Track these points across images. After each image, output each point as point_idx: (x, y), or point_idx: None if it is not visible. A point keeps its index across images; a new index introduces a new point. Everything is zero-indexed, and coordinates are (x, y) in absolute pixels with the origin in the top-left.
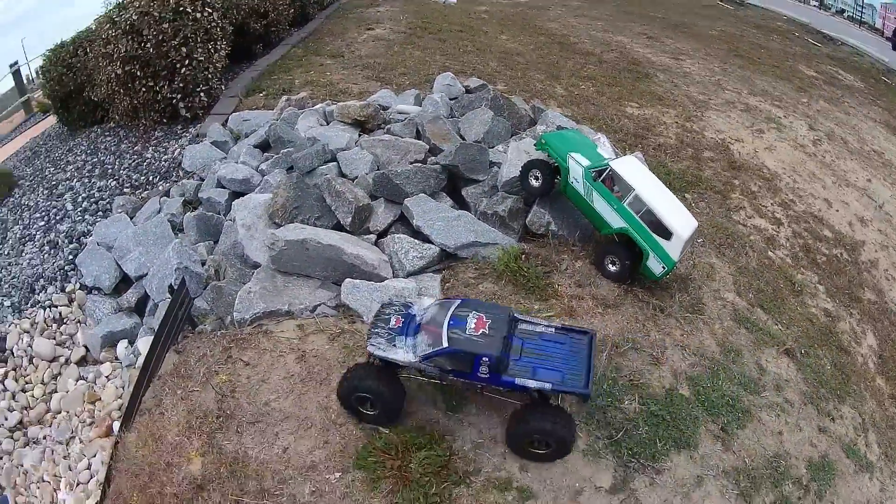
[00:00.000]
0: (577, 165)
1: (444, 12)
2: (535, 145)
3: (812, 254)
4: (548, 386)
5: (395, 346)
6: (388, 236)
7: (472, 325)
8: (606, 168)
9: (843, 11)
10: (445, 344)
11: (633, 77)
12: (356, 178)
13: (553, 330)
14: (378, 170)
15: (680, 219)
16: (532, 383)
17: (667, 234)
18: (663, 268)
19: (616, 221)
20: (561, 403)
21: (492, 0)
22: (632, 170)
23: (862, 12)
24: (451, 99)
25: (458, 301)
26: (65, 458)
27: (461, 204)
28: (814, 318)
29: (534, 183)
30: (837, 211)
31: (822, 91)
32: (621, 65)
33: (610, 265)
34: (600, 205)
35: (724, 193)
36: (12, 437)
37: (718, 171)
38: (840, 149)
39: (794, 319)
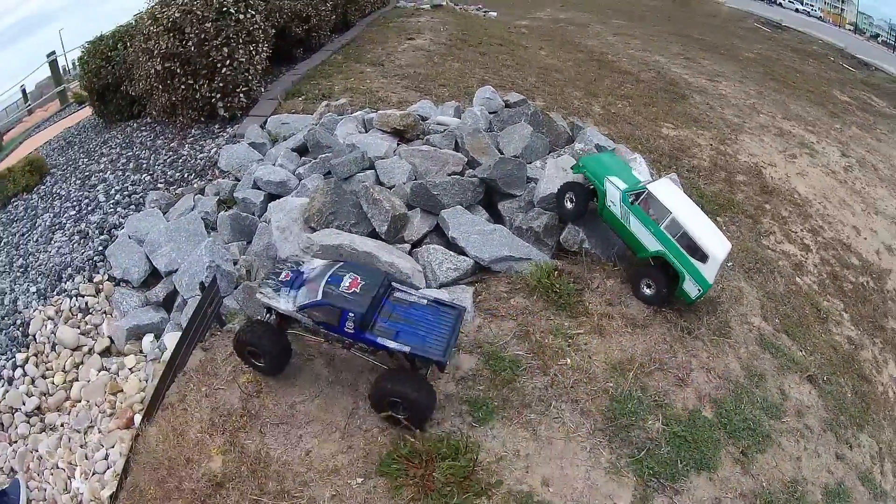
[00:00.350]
0: (614, 189)
1: (484, 25)
2: (572, 168)
3: (839, 281)
4: (406, 349)
5: (279, 296)
6: (423, 246)
7: (347, 284)
8: (643, 191)
9: (877, 36)
10: (319, 297)
11: (669, 97)
12: (393, 186)
13: (426, 301)
14: (416, 180)
15: (715, 241)
16: (392, 344)
17: (703, 256)
18: (699, 290)
19: (653, 245)
20: (429, 376)
21: (532, 15)
22: (668, 193)
23: None
24: (490, 113)
25: (341, 263)
26: (81, 446)
27: (496, 218)
28: (837, 346)
29: (568, 206)
30: (865, 239)
31: (854, 117)
32: (658, 85)
33: (645, 288)
34: (637, 228)
35: (755, 218)
36: (29, 422)
37: (750, 195)
38: (871, 176)
39: (818, 346)
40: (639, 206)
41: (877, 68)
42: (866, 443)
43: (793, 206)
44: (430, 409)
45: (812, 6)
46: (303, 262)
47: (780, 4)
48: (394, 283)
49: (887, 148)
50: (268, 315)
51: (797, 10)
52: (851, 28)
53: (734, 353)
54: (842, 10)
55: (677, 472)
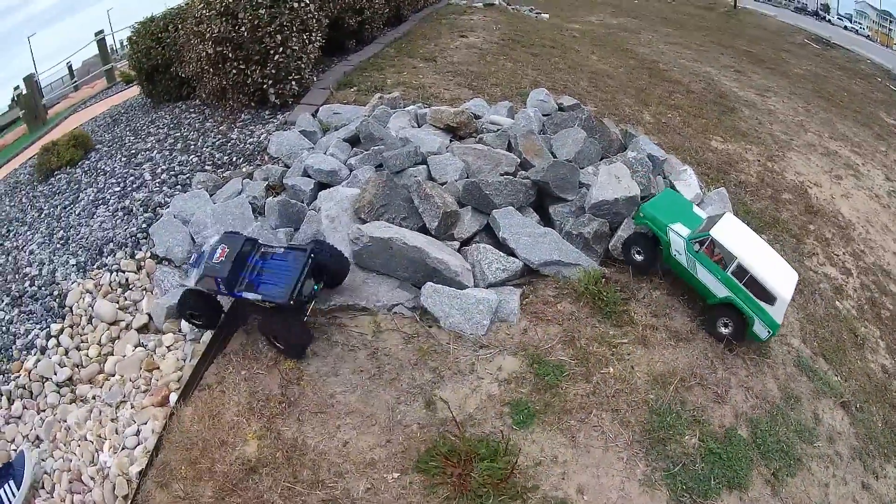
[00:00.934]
0: (677, 238)
1: (536, 26)
2: (633, 219)
3: (877, 308)
4: (258, 297)
5: (188, 276)
6: (472, 245)
7: (217, 254)
8: (707, 238)
9: None
10: (202, 271)
11: (719, 110)
12: (445, 183)
13: (282, 250)
14: (468, 178)
15: (782, 281)
16: (250, 295)
17: (771, 299)
18: (769, 332)
19: (720, 290)
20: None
21: (583, 19)
22: (733, 236)
23: None
24: (543, 115)
25: (220, 237)
26: (112, 420)
27: (547, 221)
28: (871, 374)
29: (637, 258)
30: None
31: None
32: (708, 96)
33: (723, 327)
34: (704, 275)
35: (799, 238)
36: (59, 393)
37: (795, 215)
38: None
39: (853, 372)
40: (703, 252)
41: None
42: (892, 474)
43: (836, 229)
44: (300, 344)
45: (860, 24)
46: (204, 244)
47: (830, 21)
48: (260, 241)
49: None
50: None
51: (846, 28)
52: None
53: (772, 373)
54: (889, 29)
55: (709, 489)
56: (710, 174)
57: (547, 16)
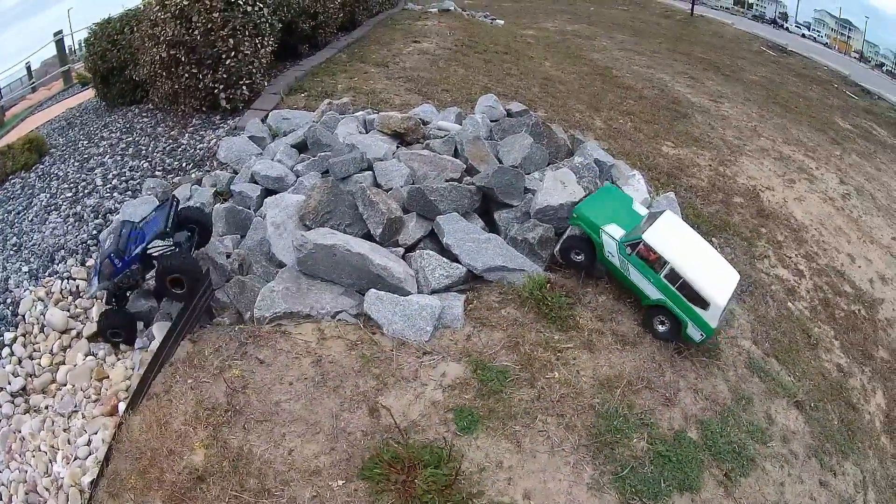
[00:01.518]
0: (609, 239)
1: (491, 33)
2: (568, 220)
3: (830, 308)
4: (144, 244)
5: (91, 285)
6: (417, 251)
7: (109, 241)
8: (639, 241)
9: (882, 65)
10: (97, 266)
11: (671, 116)
12: (391, 189)
13: (154, 213)
14: (413, 184)
15: (718, 285)
16: (139, 249)
17: (704, 304)
18: (702, 335)
19: (653, 293)
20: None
21: (539, 25)
22: (666, 239)
23: None
24: (491, 121)
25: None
26: (65, 430)
27: (492, 227)
28: (826, 373)
29: (576, 258)
30: (860, 267)
31: (855, 145)
32: (661, 102)
33: (659, 325)
34: (637, 277)
35: (750, 241)
36: (13, 403)
37: (747, 218)
38: (868, 204)
39: (806, 372)
40: (636, 256)
41: (880, 97)
42: (850, 471)
43: (789, 231)
44: (193, 275)
45: (819, 32)
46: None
47: (787, 29)
48: (139, 221)
49: (886, 177)
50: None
51: (804, 36)
52: (857, 56)
53: (723, 375)
54: (848, 37)
55: (660, 492)
56: (660, 179)
57: (502, 22)
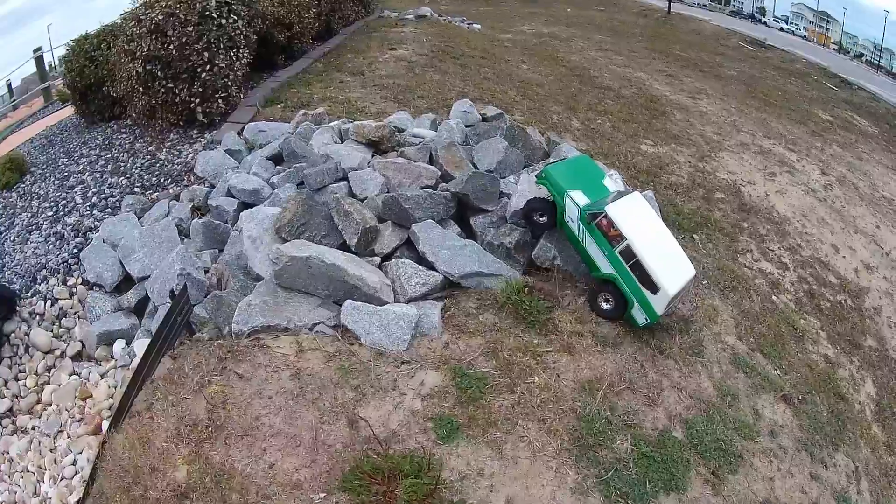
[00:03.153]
0: (572, 205)
1: (467, 38)
2: (535, 178)
3: (816, 299)
4: None
5: None
6: (393, 260)
7: None
8: (602, 212)
9: (861, 55)
10: None
11: (649, 114)
12: (366, 198)
13: None
14: (388, 192)
15: (671, 273)
16: None
17: (654, 288)
18: (646, 319)
19: (605, 267)
20: None
21: (516, 28)
22: (629, 216)
23: (880, 57)
24: (467, 126)
25: None
26: (51, 451)
27: (469, 233)
28: (813, 365)
29: (540, 220)
30: (844, 257)
31: (836, 136)
32: (639, 101)
33: (604, 303)
34: (592, 248)
35: (732, 235)
36: (0, 424)
37: (728, 213)
38: (851, 194)
39: (793, 365)
40: (595, 226)
41: (860, 87)
42: (842, 462)
43: (771, 225)
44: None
45: (797, 25)
46: None
47: (765, 23)
48: None
49: (868, 167)
50: None
51: (782, 29)
52: (836, 47)
53: (707, 372)
54: (826, 29)
55: (646, 493)
56: (639, 177)
57: (479, 27)
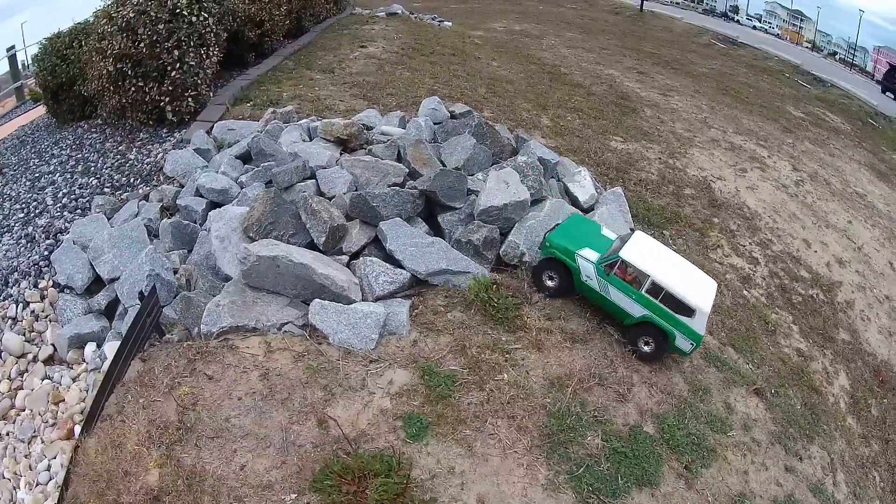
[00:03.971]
0: (586, 263)
1: (438, 35)
2: (540, 249)
3: (788, 294)
4: None
5: None
6: (361, 258)
7: None
8: (617, 259)
9: (835, 54)
10: None
11: (620, 111)
12: (334, 197)
13: None
14: (356, 190)
15: (699, 292)
16: None
17: (689, 311)
18: (692, 344)
19: (637, 310)
20: None
21: (487, 26)
22: (643, 254)
23: (854, 55)
24: (435, 123)
25: None
26: (26, 456)
27: (437, 230)
28: (786, 358)
29: (550, 283)
30: (816, 252)
31: (808, 132)
32: (609, 98)
33: (644, 346)
34: (618, 297)
35: (702, 231)
36: None
37: (698, 209)
38: (822, 190)
39: (765, 359)
40: (615, 275)
41: (833, 85)
42: (817, 454)
43: (741, 220)
44: None
45: (770, 24)
46: None
47: (738, 21)
48: None
49: (840, 162)
50: None
51: (755, 28)
52: (809, 46)
53: (678, 367)
54: (800, 28)
55: (618, 489)
56: (609, 174)
57: (450, 24)
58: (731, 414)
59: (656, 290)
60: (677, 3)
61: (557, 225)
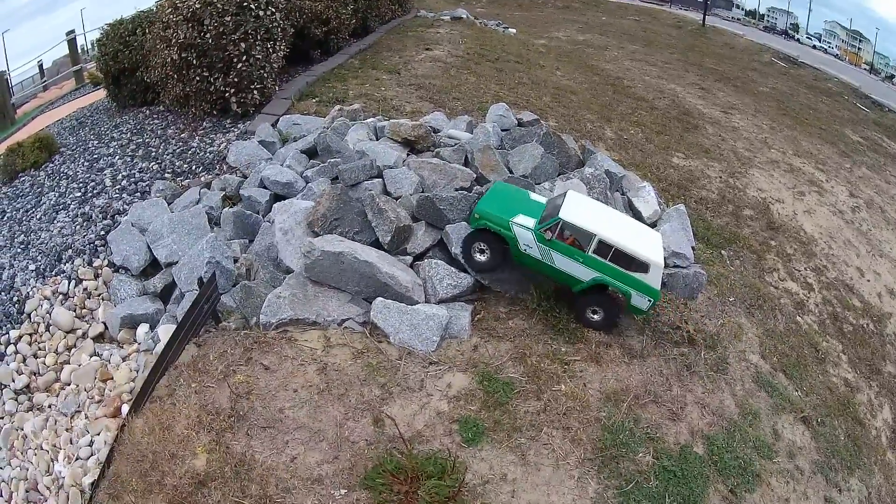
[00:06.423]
0: (523, 231)
1: (502, 41)
2: (469, 222)
3: (839, 322)
4: None
5: None
6: (425, 260)
7: None
8: (558, 222)
9: (893, 77)
10: None
11: (682, 127)
12: (400, 197)
13: None
14: (423, 192)
15: (650, 246)
16: None
17: (644, 267)
18: (650, 301)
19: (587, 274)
20: None
21: (550, 34)
22: (583, 213)
23: None
24: (502, 130)
25: None
26: (67, 430)
27: None
28: (833, 388)
29: (481, 258)
30: (868, 281)
31: (865, 157)
32: (672, 113)
33: (592, 315)
34: (563, 263)
35: (759, 253)
36: (16, 400)
37: (757, 231)
38: (877, 218)
39: (814, 387)
40: (556, 239)
41: (890, 109)
42: (856, 487)
43: (798, 244)
44: None
45: (829, 44)
46: None
47: (798, 40)
48: None
49: (895, 191)
50: None
51: (814, 47)
52: (867, 67)
53: (730, 389)
54: (858, 49)
55: None
56: (670, 190)
57: (514, 31)
58: (778, 440)
59: (604, 249)
60: (738, 20)
61: (481, 195)
